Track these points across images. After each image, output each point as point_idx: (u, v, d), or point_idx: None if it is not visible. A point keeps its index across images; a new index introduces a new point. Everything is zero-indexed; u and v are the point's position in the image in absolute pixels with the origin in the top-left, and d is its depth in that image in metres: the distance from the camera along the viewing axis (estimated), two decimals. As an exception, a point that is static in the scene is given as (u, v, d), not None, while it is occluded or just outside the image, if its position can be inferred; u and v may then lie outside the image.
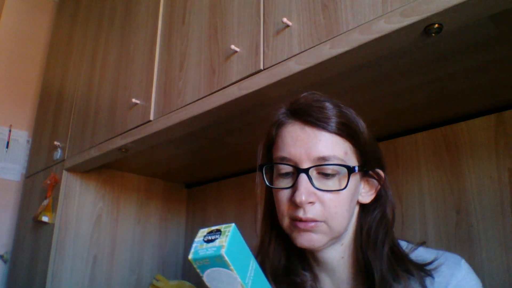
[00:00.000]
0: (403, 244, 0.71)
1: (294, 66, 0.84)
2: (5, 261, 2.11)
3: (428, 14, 0.64)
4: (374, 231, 0.69)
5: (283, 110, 0.72)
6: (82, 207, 1.70)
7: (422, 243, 0.71)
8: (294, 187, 0.66)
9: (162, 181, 2.01)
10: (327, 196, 0.65)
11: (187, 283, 1.74)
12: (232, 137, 1.33)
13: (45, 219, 1.64)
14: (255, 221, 0.79)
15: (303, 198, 0.63)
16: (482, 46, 0.77)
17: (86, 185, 1.73)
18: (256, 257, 0.73)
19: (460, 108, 1.06)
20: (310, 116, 0.66)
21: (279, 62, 0.88)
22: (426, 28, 0.67)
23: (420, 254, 0.68)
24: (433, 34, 0.68)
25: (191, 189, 2.10)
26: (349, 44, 0.75)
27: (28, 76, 2.41)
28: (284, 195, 0.67)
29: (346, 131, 0.66)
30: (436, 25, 0.66)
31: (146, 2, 1.46)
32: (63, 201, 1.65)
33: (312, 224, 0.64)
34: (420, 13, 0.65)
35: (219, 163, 1.70)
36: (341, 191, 0.65)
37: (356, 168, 0.66)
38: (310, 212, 0.64)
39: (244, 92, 0.95)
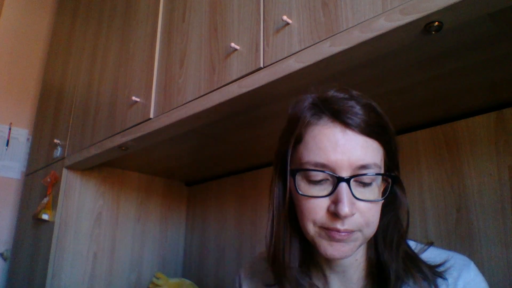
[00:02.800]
0: (412, 244, 0.70)
1: (294, 64, 0.84)
2: (5, 259, 2.11)
3: (428, 12, 0.64)
4: (390, 234, 0.67)
5: (310, 105, 0.66)
6: (82, 205, 1.70)
7: (431, 244, 0.70)
8: (333, 196, 0.60)
9: (162, 179, 2.01)
10: (365, 205, 0.61)
11: (187, 281, 1.74)
12: (233, 135, 1.33)
13: (45, 217, 1.64)
14: (266, 227, 0.71)
15: (347, 210, 0.58)
16: (482, 44, 0.77)
17: (86, 183, 1.73)
18: (267, 263, 0.71)
19: (460, 106, 1.06)
20: (351, 119, 0.61)
21: (279, 60, 0.88)
22: (426, 26, 0.67)
23: (430, 255, 0.67)
24: (433, 32, 0.68)
25: (191, 187, 2.10)
26: (349, 42, 0.75)
27: (28, 74, 2.41)
28: (318, 203, 0.62)
29: (383, 136, 0.63)
30: (436, 23, 0.66)
31: (146, -1, 1.46)
32: (63, 199, 1.65)
33: (346, 234, 0.61)
34: (420, 11, 0.65)
35: (219, 161, 1.70)
36: (380, 201, 0.63)
37: (397, 179, 0.65)
38: (349, 223, 0.60)
39: (244, 90, 0.95)
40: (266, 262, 0.73)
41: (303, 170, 0.63)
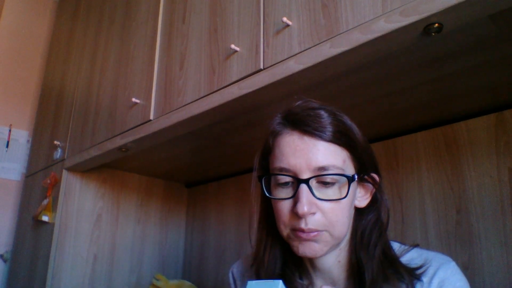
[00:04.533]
0: (396, 246, 0.72)
1: (294, 66, 0.84)
2: (5, 261, 2.11)
3: (428, 13, 0.64)
4: (368, 234, 0.70)
5: (278, 119, 0.72)
6: (82, 207, 1.70)
7: (416, 245, 0.71)
8: (295, 198, 0.65)
9: (162, 181, 2.01)
10: (327, 205, 0.65)
11: (187, 283, 1.74)
12: (232, 136, 1.33)
13: (45, 218, 1.64)
14: (249, 229, 0.79)
15: (305, 209, 0.63)
16: (482, 46, 0.77)
17: (86, 184, 1.73)
18: (251, 265, 0.76)
19: (460, 108, 1.06)
20: (308, 126, 0.66)
21: (279, 62, 0.88)
22: (426, 28, 0.67)
23: (412, 256, 0.69)
24: (433, 34, 0.68)
25: (191, 189, 2.10)
26: (349, 43, 0.75)
27: (28, 76, 2.41)
28: (284, 205, 0.67)
29: (343, 139, 0.67)
30: (436, 25, 0.66)
31: (146, 1, 1.46)
32: (63, 200, 1.65)
33: (315, 233, 0.64)
34: (420, 12, 0.65)
35: (219, 163, 1.70)
36: (341, 200, 0.66)
37: (356, 177, 0.67)
38: (312, 222, 0.64)
39: (244, 91, 0.95)
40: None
41: (268, 175, 0.70)
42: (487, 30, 0.71)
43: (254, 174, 0.75)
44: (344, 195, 0.66)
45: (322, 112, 0.67)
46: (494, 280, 0.97)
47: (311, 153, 0.65)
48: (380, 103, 1.03)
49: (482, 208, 1.02)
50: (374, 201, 0.72)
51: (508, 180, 1.00)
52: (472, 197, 1.05)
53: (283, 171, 0.67)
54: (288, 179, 0.67)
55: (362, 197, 0.72)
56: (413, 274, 0.65)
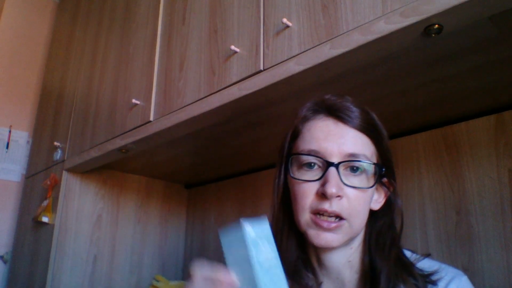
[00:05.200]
0: (408, 254, 0.72)
1: (294, 67, 0.84)
2: (5, 262, 2.11)
3: (428, 14, 0.64)
4: (383, 237, 0.69)
5: (310, 105, 0.72)
6: (82, 208, 1.69)
7: (428, 255, 0.71)
8: (322, 180, 0.65)
9: (162, 182, 2.01)
10: (353, 192, 0.65)
11: (187, 284, 1.74)
12: (232, 137, 1.33)
13: (45, 219, 1.64)
14: (272, 219, 0.75)
15: (334, 190, 0.63)
16: (482, 47, 0.77)
17: (86, 185, 1.73)
18: None
19: (460, 109, 1.06)
20: (344, 114, 0.67)
21: (279, 63, 0.88)
22: (426, 29, 0.67)
23: (424, 265, 0.68)
24: (433, 35, 0.68)
25: (191, 190, 2.10)
26: (349, 44, 0.75)
27: (28, 77, 2.40)
28: (308, 187, 0.66)
29: (373, 133, 0.68)
30: (436, 26, 0.66)
31: (146, 2, 1.46)
32: (63, 201, 1.65)
33: (335, 224, 0.64)
34: (420, 13, 0.65)
35: (219, 164, 1.70)
36: (367, 190, 0.66)
37: (383, 170, 0.68)
38: (336, 205, 0.64)
39: (244, 92, 0.95)
40: None
41: (296, 154, 0.69)
42: (487, 32, 0.71)
43: (277, 162, 0.75)
44: (371, 184, 0.66)
45: (355, 105, 0.69)
46: (494, 281, 0.97)
47: (344, 139, 0.66)
48: (380, 104, 1.03)
49: (482, 209, 1.02)
50: (388, 205, 0.72)
51: (508, 181, 1.00)
52: (472, 198, 1.05)
53: (312, 152, 0.67)
54: (314, 161, 0.67)
55: (376, 200, 0.72)
56: (428, 279, 0.65)
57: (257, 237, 0.53)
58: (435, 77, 0.89)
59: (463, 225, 1.05)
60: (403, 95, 0.98)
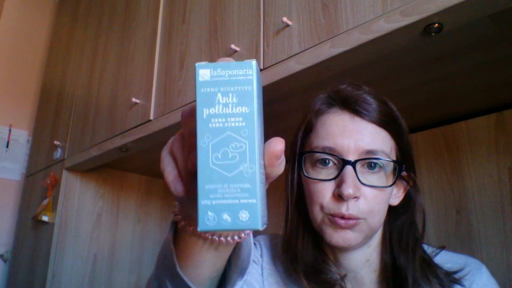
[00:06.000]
0: (424, 247, 0.69)
1: (294, 66, 0.84)
2: (5, 261, 2.11)
3: (428, 13, 0.64)
4: (406, 236, 0.66)
5: (324, 98, 0.68)
6: (82, 207, 1.70)
7: (443, 247, 0.69)
8: (338, 179, 0.61)
9: (162, 181, 2.01)
10: (371, 192, 0.61)
11: (187, 283, 1.74)
12: (232, 136, 1.32)
13: (45, 218, 1.64)
14: (286, 216, 0.71)
15: (351, 191, 0.58)
16: (482, 45, 0.77)
17: (86, 184, 1.73)
18: (285, 251, 0.70)
19: (460, 107, 1.06)
20: (360, 107, 0.62)
21: (279, 62, 0.88)
22: (426, 28, 0.67)
23: (443, 259, 0.67)
24: (433, 34, 0.68)
25: (191, 189, 2.10)
26: (349, 43, 0.75)
27: (28, 76, 2.41)
28: (323, 187, 0.62)
29: (393, 127, 0.64)
30: (436, 25, 0.66)
31: (146, 1, 1.46)
32: (63, 200, 1.65)
33: (353, 221, 0.60)
34: (420, 12, 0.65)
35: (219, 163, 1.70)
36: (386, 189, 0.62)
37: (404, 167, 0.64)
38: (353, 208, 0.60)
39: (244, 91, 0.95)
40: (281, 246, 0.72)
41: (309, 152, 0.65)
42: (487, 30, 0.71)
43: (288, 157, 0.67)
44: (390, 183, 0.62)
45: (373, 96, 0.64)
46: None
47: (361, 134, 0.61)
48: (380, 103, 1.03)
49: (482, 208, 1.02)
50: (408, 200, 0.67)
51: (508, 180, 1.00)
52: (472, 197, 1.05)
53: (327, 150, 0.62)
54: (330, 158, 0.63)
55: (395, 195, 0.67)
56: (452, 278, 0.63)
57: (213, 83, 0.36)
58: (435, 75, 0.89)
59: (463, 223, 1.05)
60: (403, 94, 0.98)
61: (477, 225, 1.02)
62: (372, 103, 0.63)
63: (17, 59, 2.38)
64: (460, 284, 0.63)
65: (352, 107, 0.63)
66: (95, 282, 1.67)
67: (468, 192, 1.06)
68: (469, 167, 1.07)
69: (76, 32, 2.03)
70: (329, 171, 0.63)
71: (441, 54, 0.80)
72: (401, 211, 0.67)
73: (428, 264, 0.64)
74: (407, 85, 0.93)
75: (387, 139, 0.63)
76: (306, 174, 0.65)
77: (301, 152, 0.67)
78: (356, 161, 0.61)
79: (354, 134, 0.62)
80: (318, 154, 0.63)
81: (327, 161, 0.63)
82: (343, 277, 0.66)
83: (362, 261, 0.67)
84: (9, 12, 2.38)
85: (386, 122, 0.63)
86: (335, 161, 0.63)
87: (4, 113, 2.28)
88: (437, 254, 0.68)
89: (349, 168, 0.60)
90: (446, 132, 1.13)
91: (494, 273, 0.97)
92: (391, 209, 0.67)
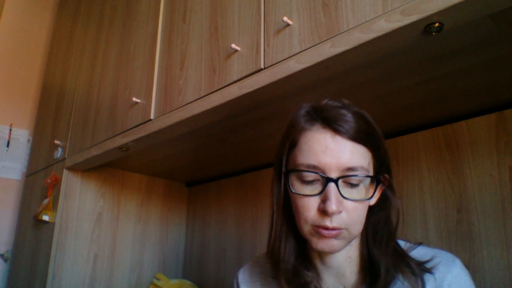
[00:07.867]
0: (402, 243, 0.75)
1: (294, 65, 0.84)
2: (5, 260, 2.11)
3: (429, 13, 0.64)
4: (380, 231, 0.72)
5: (305, 114, 0.72)
6: (82, 206, 1.70)
7: (420, 244, 0.75)
8: (322, 195, 0.67)
9: (162, 180, 2.01)
10: (352, 205, 0.67)
11: (188, 282, 1.75)
12: (233, 135, 1.33)
13: (45, 218, 1.64)
14: (271, 223, 0.78)
15: (334, 208, 0.64)
16: (483, 45, 0.77)
17: (86, 184, 1.73)
18: (269, 257, 0.77)
19: (461, 107, 1.06)
20: (340, 126, 0.67)
21: (280, 61, 0.88)
22: (427, 27, 0.67)
23: (418, 253, 0.72)
24: (434, 33, 0.68)
25: (191, 188, 2.10)
26: (349, 43, 0.75)
27: (29, 75, 2.41)
28: (309, 202, 0.68)
29: (371, 142, 0.69)
30: (437, 24, 0.66)
31: (146, 0, 1.46)
32: (64, 200, 1.65)
33: (336, 232, 0.66)
34: (421, 12, 0.65)
35: (219, 162, 1.70)
36: (365, 200, 0.69)
37: (380, 178, 0.70)
38: (336, 221, 0.66)
39: (244, 91, 0.95)
40: (265, 257, 0.79)
41: (296, 171, 0.70)
42: (488, 30, 0.71)
43: (274, 169, 0.76)
44: (369, 195, 0.69)
45: (352, 111, 0.69)
46: (494, 279, 0.97)
47: (342, 153, 0.66)
48: (381, 102, 1.03)
49: (483, 207, 1.02)
50: (384, 200, 0.73)
51: (508, 179, 1.00)
52: (472, 196, 1.05)
53: (313, 168, 0.67)
54: (315, 176, 0.68)
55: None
56: (423, 267, 0.68)
57: None
58: (436, 75, 0.89)
59: (463, 223, 1.05)
60: (403, 93, 0.98)
61: (478, 225, 1.02)
62: (350, 121, 0.68)
63: (18, 58, 2.38)
64: (430, 272, 0.68)
65: (333, 126, 0.68)
66: (96, 282, 1.68)
67: (468, 191, 1.06)
68: (469, 166, 1.07)
69: (77, 31, 2.03)
70: (313, 187, 0.68)
71: (442, 53, 0.80)
72: (377, 209, 0.73)
73: (400, 256, 0.71)
74: (407, 84, 0.93)
75: (365, 154, 0.68)
76: (293, 190, 0.70)
77: (288, 171, 0.72)
78: (338, 178, 0.66)
79: (335, 152, 0.67)
80: (304, 173, 0.69)
81: (312, 179, 0.69)
82: (317, 279, 0.75)
83: (345, 258, 0.74)
84: (9, 11, 2.39)
85: (363, 138, 0.68)
86: (319, 178, 0.68)
87: (5, 112, 2.28)
88: (413, 249, 0.73)
89: (332, 185, 0.66)
90: (446, 132, 1.13)
91: (494, 272, 0.98)
92: (368, 208, 0.73)
